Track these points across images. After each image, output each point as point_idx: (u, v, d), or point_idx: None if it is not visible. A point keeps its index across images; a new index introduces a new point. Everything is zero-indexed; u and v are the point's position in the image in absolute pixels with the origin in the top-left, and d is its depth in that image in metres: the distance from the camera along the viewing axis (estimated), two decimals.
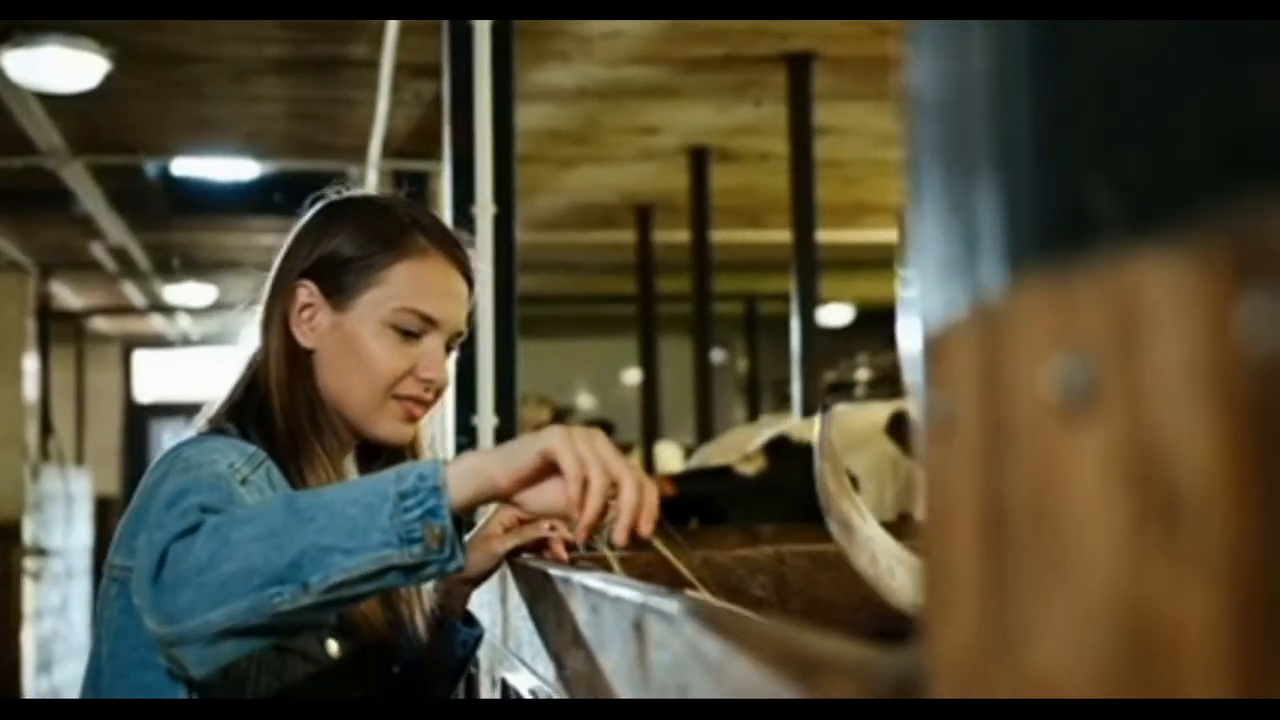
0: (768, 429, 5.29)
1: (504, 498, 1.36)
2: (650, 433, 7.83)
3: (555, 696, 1.40)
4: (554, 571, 1.29)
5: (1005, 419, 0.44)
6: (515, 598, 1.73)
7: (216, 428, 1.63)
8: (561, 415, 8.84)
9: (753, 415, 11.02)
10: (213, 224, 8.21)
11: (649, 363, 7.94)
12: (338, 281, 1.66)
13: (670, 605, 0.87)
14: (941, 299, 0.52)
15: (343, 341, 1.65)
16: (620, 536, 1.30)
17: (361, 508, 1.28)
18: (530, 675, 1.57)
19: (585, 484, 1.30)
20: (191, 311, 10.98)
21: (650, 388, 7.93)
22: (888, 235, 9.01)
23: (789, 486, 4.23)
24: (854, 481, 4.72)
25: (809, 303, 4.99)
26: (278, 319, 1.68)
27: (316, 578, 1.26)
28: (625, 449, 9.32)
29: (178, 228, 8.12)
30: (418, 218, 1.74)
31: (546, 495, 1.35)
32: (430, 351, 1.66)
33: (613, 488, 1.31)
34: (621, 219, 8.24)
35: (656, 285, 8.01)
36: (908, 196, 0.60)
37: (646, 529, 1.30)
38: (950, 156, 0.53)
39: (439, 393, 1.69)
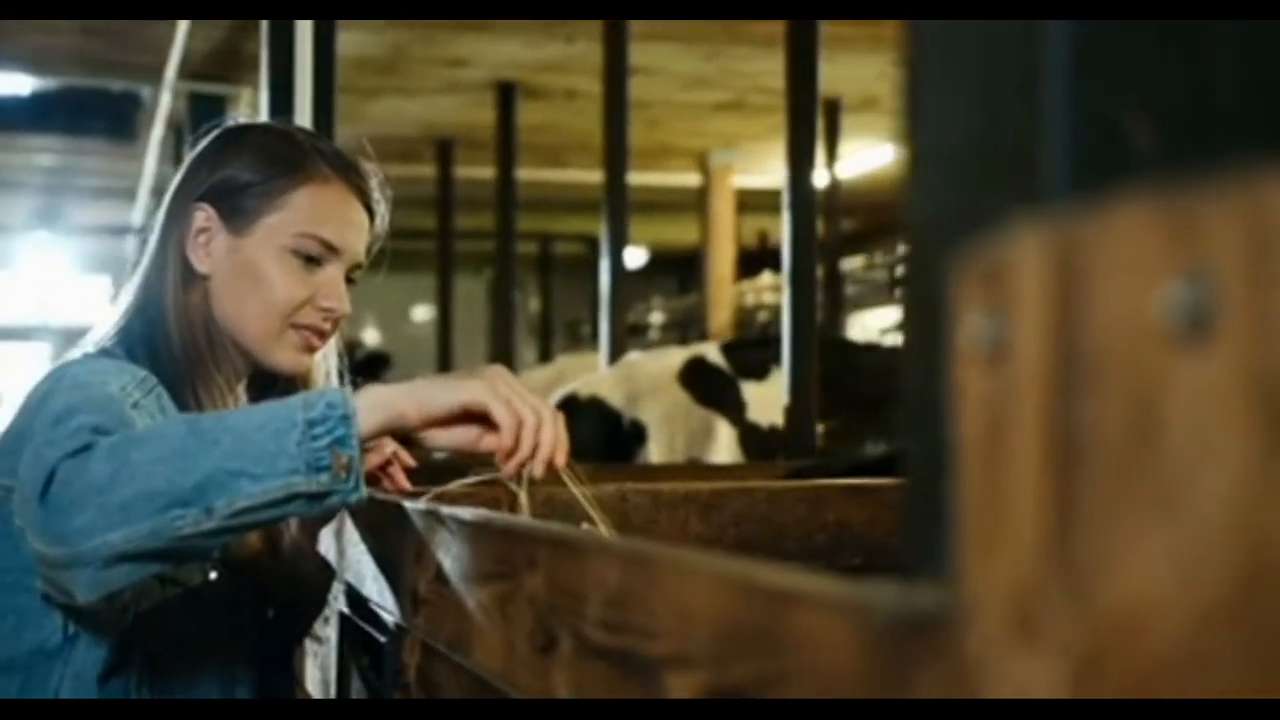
0: (566, 370, 5.28)
1: (410, 433, 1.36)
2: (444, 371, 7.75)
3: (414, 634, 1.36)
4: (447, 511, 1.26)
5: (1089, 345, 0.42)
6: (352, 531, 1.68)
7: (103, 350, 1.56)
8: (351, 350, 8.71)
9: (545, 355, 11.01)
10: None
11: (445, 301, 7.85)
12: (236, 205, 1.60)
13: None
14: (975, 223, 0.51)
15: (241, 266, 1.59)
16: (540, 469, 1.36)
17: (269, 433, 1.25)
18: (381, 611, 1.53)
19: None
20: None
21: (445, 326, 7.85)
22: (686, 179, 9.07)
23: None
24: (644, 430, 4.74)
25: (618, 245, 4.97)
26: (173, 244, 1.62)
27: (221, 502, 1.22)
28: None
29: None
30: (320, 146, 1.69)
31: (456, 435, 1.37)
32: (330, 280, 1.61)
33: None
34: (421, 153, 8.11)
35: (455, 222, 7.91)
36: (919, 123, 0.58)
37: (561, 460, 1.37)
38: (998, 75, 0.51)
39: (337, 323, 1.64)
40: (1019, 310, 0.45)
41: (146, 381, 1.48)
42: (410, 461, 1.63)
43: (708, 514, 1.80)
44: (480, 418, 1.36)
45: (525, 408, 1.35)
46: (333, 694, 1.83)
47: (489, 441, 1.37)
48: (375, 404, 1.32)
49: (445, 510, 1.26)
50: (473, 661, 1.14)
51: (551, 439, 1.36)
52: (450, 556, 1.22)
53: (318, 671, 1.90)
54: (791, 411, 3.69)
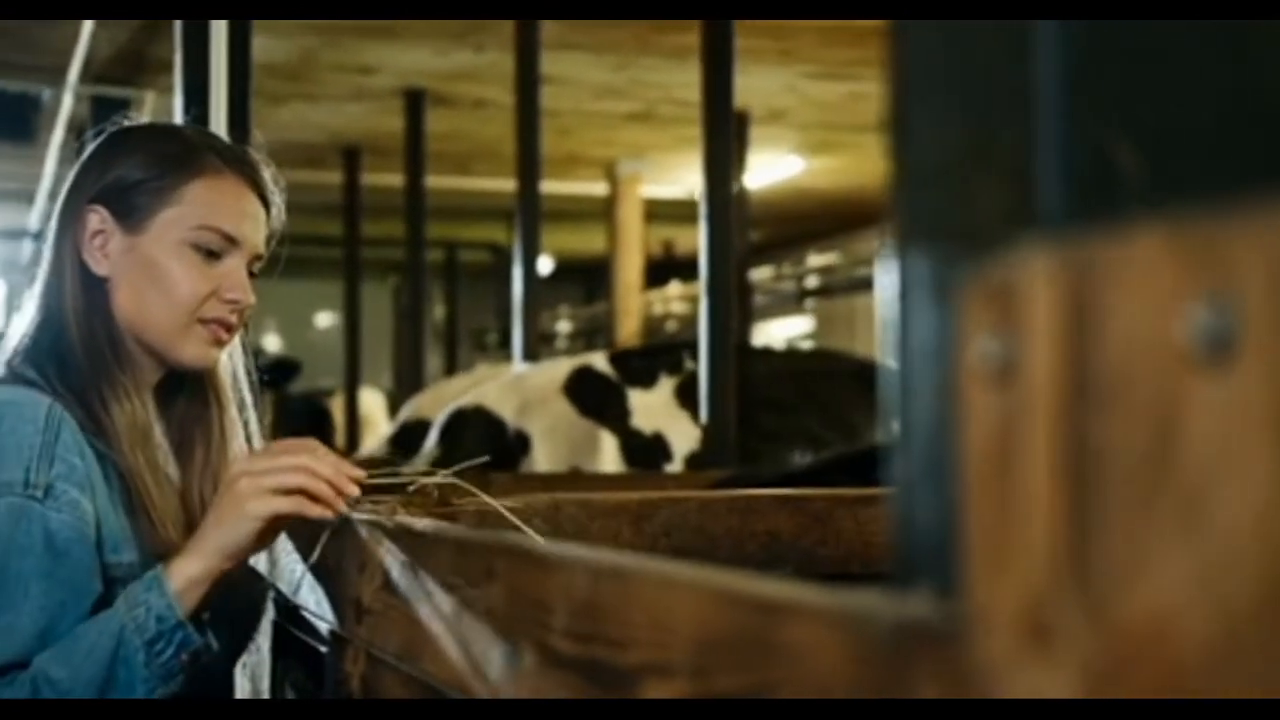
0: (484, 380, 5.27)
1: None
2: (353, 379, 7.70)
3: (357, 644, 1.36)
4: (396, 521, 1.26)
5: (1105, 365, 0.44)
6: (285, 540, 1.67)
7: (12, 371, 1.55)
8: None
9: (450, 363, 10.97)
10: None
11: (352, 308, 7.80)
12: (129, 203, 1.59)
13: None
14: (976, 243, 0.52)
15: (139, 264, 1.58)
16: (352, 491, 1.42)
17: (120, 662, 1.38)
18: (318, 620, 1.52)
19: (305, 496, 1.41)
20: None
21: (353, 333, 7.80)
22: (593, 188, 9.08)
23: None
24: (528, 440, 4.75)
25: (531, 253, 4.97)
26: (68, 249, 1.60)
27: None
28: (326, 394, 9.17)
29: None
30: (209, 140, 1.71)
31: (271, 536, 1.48)
32: (231, 272, 1.61)
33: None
34: (326, 160, 8.05)
35: (362, 229, 7.87)
36: (894, 152, 0.60)
37: (357, 477, 1.44)
38: (995, 105, 0.53)
39: (243, 315, 1.63)
40: (1029, 331, 0.47)
41: (51, 420, 1.47)
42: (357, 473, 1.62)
43: (639, 524, 1.82)
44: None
45: (290, 476, 1.41)
46: None
47: (312, 511, 1.42)
48: (191, 582, 1.42)
49: (394, 520, 1.26)
50: (423, 671, 1.14)
51: (328, 469, 1.42)
52: (399, 566, 1.22)
53: (248, 683, 1.88)
54: (710, 421, 3.72)
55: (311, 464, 1.42)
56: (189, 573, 1.42)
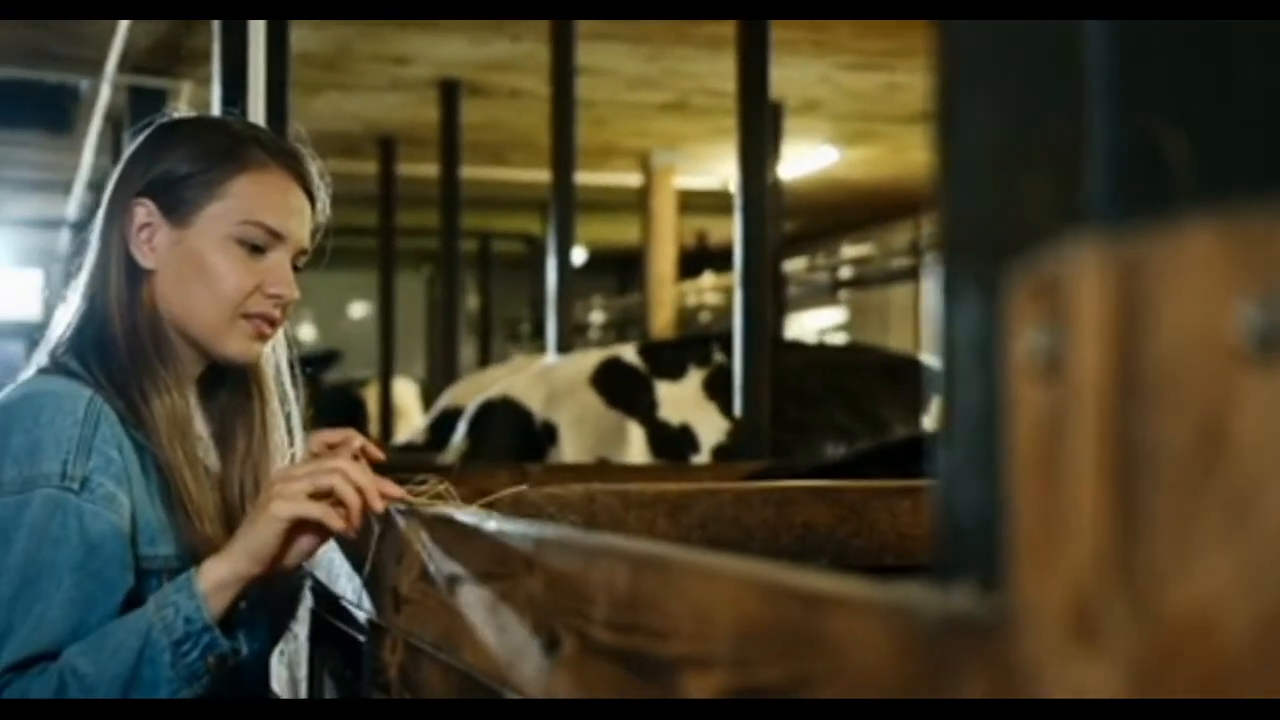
0: (517, 370, 5.28)
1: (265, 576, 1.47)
2: (387, 369, 7.73)
3: (395, 633, 1.37)
4: (435, 511, 1.27)
5: (1153, 361, 0.44)
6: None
7: (55, 362, 1.57)
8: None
9: (484, 353, 11.00)
10: None
11: (386, 298, 7.82)
12: (176, 197, 1.60)
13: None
14: (1024, 238, 0.53)
15: (185, 258, 1.59)
16: (379, 506, 1.41)
17: (145, 661, 1.39)
18: (356, 609, 1.53)
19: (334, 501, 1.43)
20: None
21: (387, 323, 7.82)
22: (627, 179, 9.09)
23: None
24: (555, 431, 4.78)
25: (565, 244, 4.98)
26: (115, 242, 1.61)
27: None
28: (361, 384, 9.20)
29: None
30: (255, 133, 1.70)
31: (302, 547, 1.46)
32: (276, 267, 1.61)
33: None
34: (362, 150, 8.08)
35: (397, 219, 7.89)
36: (939, 146, 0.60)
37: (390, 491, 1.43)
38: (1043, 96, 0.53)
39: (287, 310, 1.64)
40: (1078, 326, 0.47)
41: (90, 412, 1.49)
42: (378, 455, 1.63)
43: (675, 515, 1.82)
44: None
45: (323, 478, 1.42)
46: (302, 693, 1.83)
47: (331, 521, 1.42)
48: (220, 585, 1.42)
49: (433, 510, 1.27)
50: (462, 661, 1.15)
51: (364, 480, 1.42)
52: (438, 556, 1.23)
53: (284, 670, 1.90)
54: (744, 413, 3.72)
55: (347, 469, 1.43)
56: (218, 575, 1.43)
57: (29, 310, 10.74)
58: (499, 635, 1.06)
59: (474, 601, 1.13)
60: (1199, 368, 0.42)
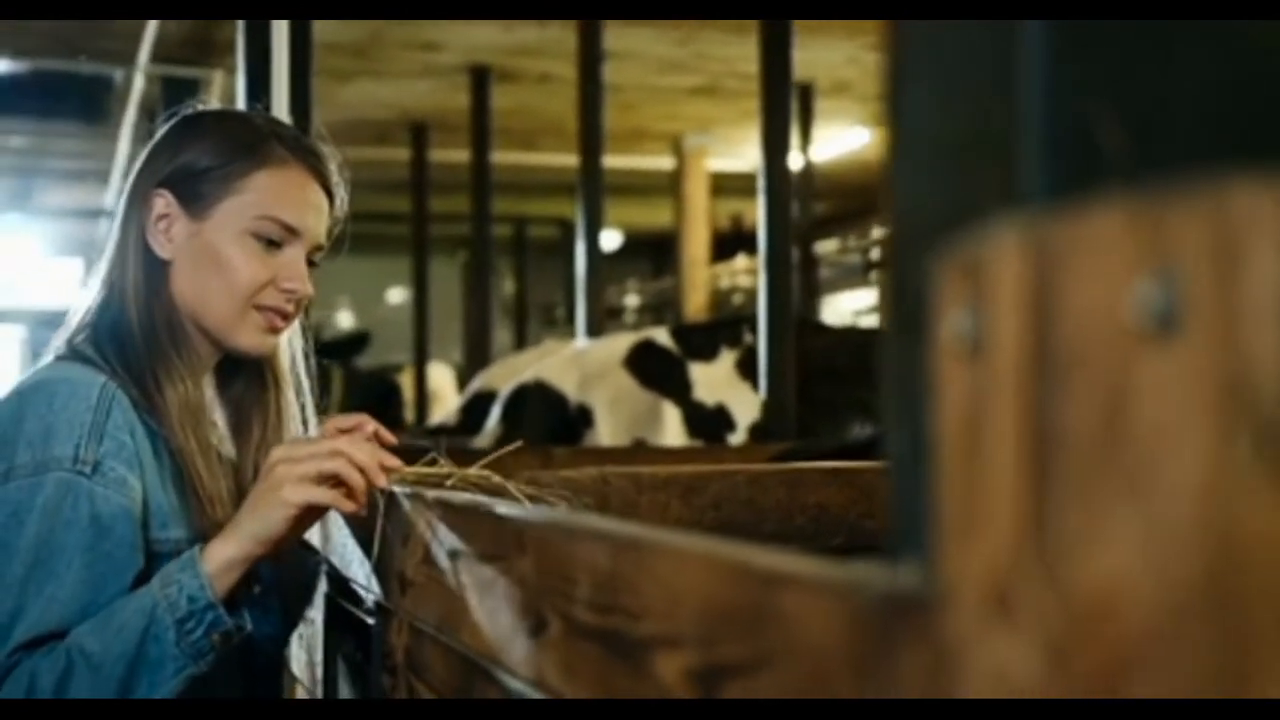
0: (550, 353, 5.30)
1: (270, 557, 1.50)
2: (421, 354, 7.76)
3: (401, 616, 1.39)
4: (436, 494, 1.28)
5: (1062, 341, 0.45)
6: (337, 514, 1.70)
7: (72, 349, 1.60)
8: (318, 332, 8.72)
9: (520, 338, 11.02)
10: None
11: (420, 283, 7.85)
12: (195, 190, 1.63)
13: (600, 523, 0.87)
14: (957, 219, 0.53)
15: (201, 250, 1.62)
16: (381, 481, 1.44)
17: (151, 639, 1.41)
18: (367, 593, 1.55)
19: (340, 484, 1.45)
20: None
21: (421, 308, 7.85)
22: (659, 162, 9.09)
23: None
24: (591, 414, 4.78)
25: (594, 228, 4.99)
26: (134, 231, 1.64)
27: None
28: (397, 370, 9.24)
29: None
30: (276, 129, 1.72)
31: (304, 524, 1.50)
32: (291, 262, 1.64)
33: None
34: (394, 136, 8.11)
35: (430, 205, 7.92)
36: (900, 117, 0.61)
37: (390, 462, 1.46)
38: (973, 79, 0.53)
39: (300, 304, 1.66)
40: (997, 307, 0.48)
41: (103, 398, 1.51)
42: (391, 439, 1.65)
43: (689, 497, 1.83)
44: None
45: (327, 463, 1.44)
46: (319, 675, 1.85)
47: (342, 505, 1.45)
48: (225, 564, 1.45)
49: (434, 494, 1.28)
50: (461, 643, 1.16)
51: (365, 456, 1.44)
52: (439, 539, 1.24)
53: (304, 654, 1.92)
54: (769, 394, 3.72)
55: (348, 450, 1.44)
56: (224, 555, 1.45)
57: (70, 299, 10.82)
58: (492, 617, 1.07)
59: (471, 583, 1.14)
60: (1102, 347, 0.43)
